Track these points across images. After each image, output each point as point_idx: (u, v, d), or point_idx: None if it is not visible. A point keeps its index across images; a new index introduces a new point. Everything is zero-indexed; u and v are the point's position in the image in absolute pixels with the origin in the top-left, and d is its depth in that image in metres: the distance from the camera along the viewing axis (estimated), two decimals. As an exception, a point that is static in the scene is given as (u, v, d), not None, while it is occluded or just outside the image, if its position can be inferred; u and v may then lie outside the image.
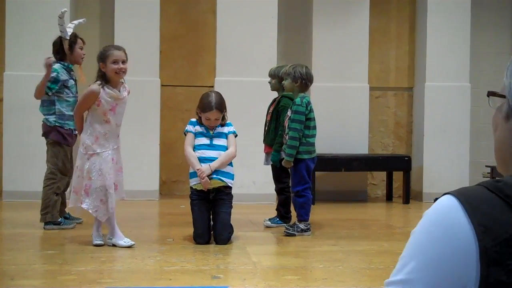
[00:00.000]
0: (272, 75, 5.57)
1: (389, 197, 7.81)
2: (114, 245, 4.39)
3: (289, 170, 5.23)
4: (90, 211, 4.36)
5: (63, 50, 5.21)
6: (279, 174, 5.45)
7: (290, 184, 5.27)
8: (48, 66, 5.10)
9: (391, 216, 6.94)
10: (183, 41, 7.95)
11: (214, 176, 4.55)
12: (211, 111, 4.59)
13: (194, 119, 4.74)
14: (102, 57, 4.37)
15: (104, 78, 4.38)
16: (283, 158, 5.08)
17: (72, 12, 7.21)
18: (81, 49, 5.30)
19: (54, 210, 5.15)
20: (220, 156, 4.57)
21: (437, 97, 7.73)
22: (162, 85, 7.49)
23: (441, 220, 0.96)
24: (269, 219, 5.48)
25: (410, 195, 7.51)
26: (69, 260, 3.94)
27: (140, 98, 7.14)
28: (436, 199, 1.02)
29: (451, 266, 0.93)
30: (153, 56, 7.31)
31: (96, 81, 4.41)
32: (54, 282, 3.33)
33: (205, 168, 4.52)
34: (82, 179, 4.39)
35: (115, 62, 4.36)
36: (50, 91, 5.15)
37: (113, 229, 4.43)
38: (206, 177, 4.51)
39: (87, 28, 7.23)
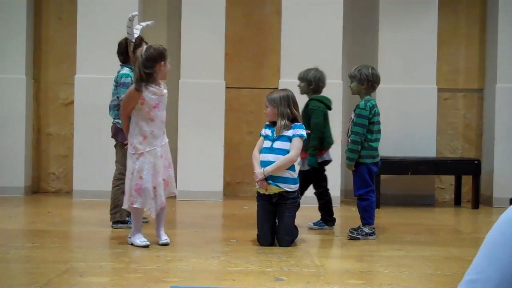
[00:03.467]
0: (301, 78, 5.50)
1: (457, 202, 7.60)
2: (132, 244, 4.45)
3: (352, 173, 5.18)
4: (145, 209, 4.42)
5: (127, 52, 5.31)
6: (317, 178, 5.39)
7: (353, 189, 5.18)
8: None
9: (459, 221, 6.75)
10: (248, 43, 7.99)
11: (271, 182, 4.53)
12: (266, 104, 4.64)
13: (268, 122, 4.75)
14: (165, 56, 4.44)
15: (149, 79, 4.40)
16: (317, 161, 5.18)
17: (139, 14, 7.38)
18: None
19: (122, 210, 5.26)
20: (277, 160, 4.52)
21: (509, 99, 7.46)
22: (227, 87, 7.55)
23: None
24: (313, 222, 5.44)
25: (480, 200, 7.28)
26: (136, 259, 4.03)
27: (205, 100, 7.23)
28: (512, 198, 1.04)
29: None
30: (218, 59, 7.38)
31: (141, 82, 4.41)
32: (121, 280, 3.41)
33: (259, 172, 4.52)
34: (132, 180, 4.41)
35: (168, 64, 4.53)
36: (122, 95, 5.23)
37: (137, 228, 4.50)
38: (261, 181, 4.51)
39: (155, 30, 7.37)
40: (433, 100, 7.57)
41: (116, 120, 5.30)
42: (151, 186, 4.39)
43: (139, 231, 4.51)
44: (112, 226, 5.25)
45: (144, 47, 4.47)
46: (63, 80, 7.90)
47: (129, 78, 5.17)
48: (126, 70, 5.28)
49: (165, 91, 4.54)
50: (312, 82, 5.42)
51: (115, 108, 5.29)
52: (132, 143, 4.43)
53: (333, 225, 5.44)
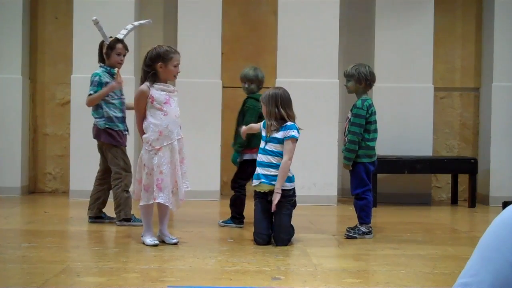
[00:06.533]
0: (251, 79, 5.44)
1: (454, 201, 7.62)
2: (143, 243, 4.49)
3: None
4: (167, 204, 4.43)
5: (102, 53, 5.40)
6: (239, 172, 5.41)
7: (350, 188, 5.19)
8: (116, 85, 5.30)
9: (456, 220, 6.76)
10: (245, 42, 8.00)
11: (264, 180, 4.55)
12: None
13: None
14: (164, 58, 4.42)
15: (154, 77, 4.43)
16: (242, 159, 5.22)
17: (136, 14, 7.37)
18: (119, 54, 5.39)
19: (126, 207, 5.35)
20: (278, 173, 4.51)
21: (505, 98, 7.49)
22: (223, 87, 7.55)
23: (508, 223, 0.97)
24: (223, 220, 5.49)
25: (476, 198, 7.29)
26: (133, 258, 4.02)
27: (202, 100, 7.24)
28: (505, 202, 1.04)
29: None
30: (215, 58, 7.38)
31: (144, 81, 4.45)
32: (118, 280, 3.41)
33: (276, 197, 4.50)
34: (152, 176, 4.43)
35: (176, 66, 4.49)
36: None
37: (148, 227, 4.55)
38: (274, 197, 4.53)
39: (151, 30, 7.38)
40: (429, 99, 7.59)
41: (96, 121, 5.37)
42: (171, 180, 4.41)
43: (150, 230, 4.54)
44: (117, 224, 5.35)
45: (156, 45, 4.51)
46: (60, 80, 7.90)
47: (97, 77, 5.31)
48: (97, 70, 5.40)
49: (173, 88, 4.55)
50: (262, 83, 5.49)
51: (94, 107, 5.41)
52: (149, 140, 4.42)
53: (242, 223, 5.41)
